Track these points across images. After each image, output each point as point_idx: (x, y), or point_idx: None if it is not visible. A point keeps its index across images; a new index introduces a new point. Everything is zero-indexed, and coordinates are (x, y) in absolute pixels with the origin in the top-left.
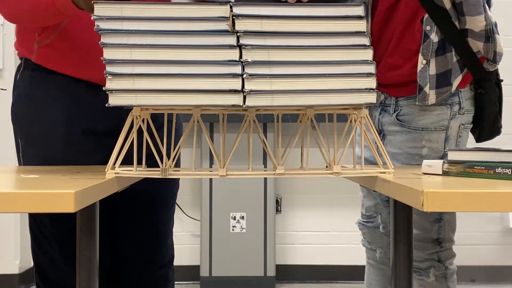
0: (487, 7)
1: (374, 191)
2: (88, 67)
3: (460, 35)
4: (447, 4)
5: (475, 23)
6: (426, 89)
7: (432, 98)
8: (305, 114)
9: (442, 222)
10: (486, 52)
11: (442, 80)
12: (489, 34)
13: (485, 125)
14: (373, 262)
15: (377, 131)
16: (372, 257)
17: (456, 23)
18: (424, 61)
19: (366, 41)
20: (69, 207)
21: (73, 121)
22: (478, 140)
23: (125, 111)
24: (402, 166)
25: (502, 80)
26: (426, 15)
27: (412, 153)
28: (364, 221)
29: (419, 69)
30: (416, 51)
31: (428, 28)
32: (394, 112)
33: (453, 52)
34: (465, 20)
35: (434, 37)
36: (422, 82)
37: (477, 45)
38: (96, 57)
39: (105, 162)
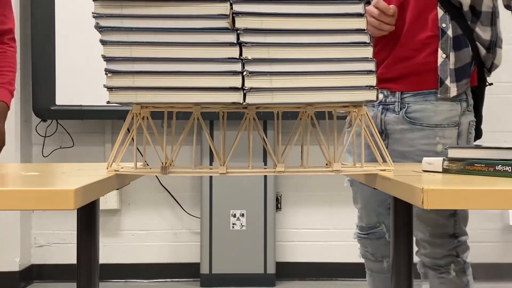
0: (498, 21)
1: (373, 201)
2: None
3: (472, 34)
4: (465, 7)
5: (483, 32)
6: (447, 82)
7: (453, 90)
8: (305, 111)
9: (457, 216)
10: (485, 60)
11: (461, 73)
12: (491, 46)
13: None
14: (378, 274)
15: (379, 131)
16: (376, 268)
17: (469, 23)
18: (444, 55)
19: (366, 38)
20: (69, 205)
21: None
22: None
23: None
24: (402, 164)
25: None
26: (441, 13)
27: (426, 150)
28: (365, 234)
29: (439, 62)
30: (427, 42)
31: (444, 25)
32: (401, 109)
33: (470, 48)
34: (476, 25)
35: (451, 33)
36: (443, 75)
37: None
38: None
39: None
